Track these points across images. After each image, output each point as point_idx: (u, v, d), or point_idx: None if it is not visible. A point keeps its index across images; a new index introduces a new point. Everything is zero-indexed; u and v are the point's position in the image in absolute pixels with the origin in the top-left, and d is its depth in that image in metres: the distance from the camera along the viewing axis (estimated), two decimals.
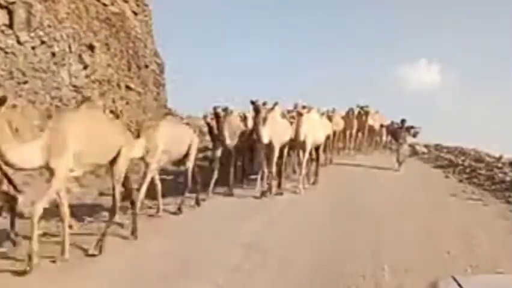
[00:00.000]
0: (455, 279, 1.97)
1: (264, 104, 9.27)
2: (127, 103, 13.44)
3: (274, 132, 9.49)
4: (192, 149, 8.37)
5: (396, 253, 6.02)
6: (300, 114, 10.03)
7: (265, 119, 9.21)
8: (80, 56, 11.62)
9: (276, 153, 9.75)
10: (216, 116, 9.31)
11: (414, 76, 60.62)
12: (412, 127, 15.25)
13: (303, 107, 10.12)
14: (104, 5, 13.37)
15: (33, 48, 9.91)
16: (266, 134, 9.23)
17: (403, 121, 15.15)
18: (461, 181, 13.01)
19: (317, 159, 11.91)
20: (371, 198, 9.89)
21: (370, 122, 18.74)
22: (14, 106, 8.78)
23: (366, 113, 18.65)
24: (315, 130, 10.71)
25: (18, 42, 9.53)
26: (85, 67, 11.69)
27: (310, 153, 11.10)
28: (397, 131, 15.32)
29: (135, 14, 15.51)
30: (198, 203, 8.72)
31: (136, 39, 15.07)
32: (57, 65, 10.59)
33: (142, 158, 7.06)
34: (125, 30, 14.26)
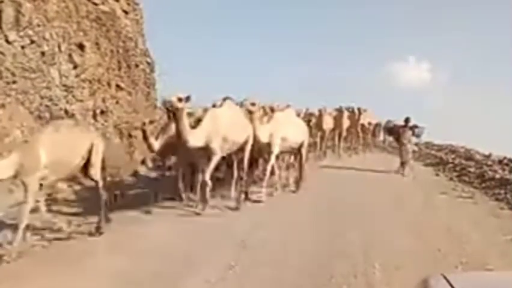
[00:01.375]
0: (444, 277, 1.98)
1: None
2: (117, 102, 13.35)
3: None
4: (94, 157, 6.67)
5: (386, 251, 6.05)
6: (250, 112, 8.62)
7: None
8: (70, 55, 11.52)
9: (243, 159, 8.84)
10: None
11: (403, 74, 60.84)
12: (416, 126, 14.10)
13: (252, 104, 8.52)
14: (95, 4, 13.27)
15: (22, 47, 9.80)
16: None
17: (407, 120, 13.97)
18: (451, 179, 13.13)
19: (300, 163, 10.62)
20: (360, 197, 9.94)
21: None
22: (3, 106, 8.71)
23: (359, 112, 18.71)
24: (287, 131, 9.50)
25: (7, 41, 9.43)
26: (75, 66, 11.58)
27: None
28: (400, 131, 14.07)
29: (126, 13, 15.40)
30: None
31: (127, 39, 14.96)
32: (46, 64, 10.48)
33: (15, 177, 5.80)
34: (115, 29, 14.16)
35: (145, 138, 7.93)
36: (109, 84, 13.30)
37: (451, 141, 21.01)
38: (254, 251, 6.04)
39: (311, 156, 15.84)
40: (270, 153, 9.23)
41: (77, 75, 11.68)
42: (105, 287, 4.95)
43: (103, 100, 12.59)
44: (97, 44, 13.05)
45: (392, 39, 63.80)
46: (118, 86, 13.85)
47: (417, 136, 14.46)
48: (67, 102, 10.96)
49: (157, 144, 8.03)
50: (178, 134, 7.37)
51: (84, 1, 12.74)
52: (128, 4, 15.71)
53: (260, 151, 9.33)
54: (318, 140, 16.61)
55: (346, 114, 18.20)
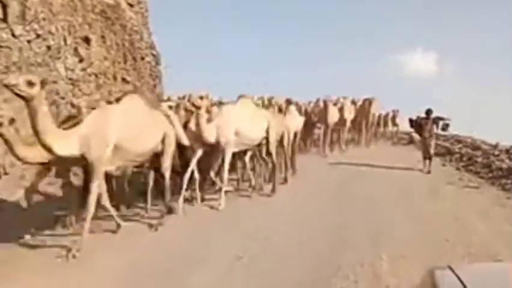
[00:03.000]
0: (451, 269, 1.99)
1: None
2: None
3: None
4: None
5: (394, 241, 6.07)
6: (197, 107, 7.44)
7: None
8: (75, 49, 11.55)
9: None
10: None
11: (411, 65, 60.58)
12: (441, 118, 12.81)
13: (200, 98, 7.37)
14: None
15: (28, 41, 9.83)
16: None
17: (429, 111, 12.75)
18: (458, 169, 13.10)
19: (273, 165, 9.38)
20: (367, 187, 9.94)
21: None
22: (9, 100, 8.76)
23: (370, 102, 18.06)
24: (239, 126, 8.18)
25: (13, 35, 9.45)
26: (81, 60, 11.62)
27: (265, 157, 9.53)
28: (422, 123, 12.77)
29: (131, 6, 15.42)
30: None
31: (132, 32, 14.99)
32: (52, 58, 10.52)
33: None
34: (120, 22, 14.18)
35: None
36: (114, 78, 13.34)
37: (457, 131, 20.89)
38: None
39: (314, 151, 15.79)
40: (223, 152, 8.11)
41: (83, 69, 11.72)
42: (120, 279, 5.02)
43: (109, 93, 12.63)
44: (102, 37, 13.08)
45: (398, 30, 63.54)
46: (123, 79, 13.89)
47: (443, 129, 13.12)
48: (73, 96, 11.00)
49: None
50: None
51: None
52: None
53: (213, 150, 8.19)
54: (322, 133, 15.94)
55: (358, 104, 17.85)
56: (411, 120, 13.42)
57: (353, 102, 17.55)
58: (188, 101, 8.56)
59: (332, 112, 15.35)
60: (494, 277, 2.06)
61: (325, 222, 7.10)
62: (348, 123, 17.15)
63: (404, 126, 20.33)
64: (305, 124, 13.23)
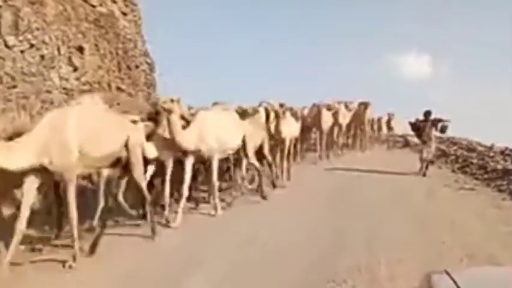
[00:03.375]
0: (447, 273, 2.00)
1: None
2: (118, 104, 13.38)
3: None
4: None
5: (391, 245, 6.07)
6: (168, 111, 6.94)
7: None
8: (69, 58, 11.54)
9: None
10: None
11: (404, 67, 60.91)
12: (440, 120, 12.52)
13: (171, 100, 6.94)
14: (93, 6, 13.28)
15: (21, 51, 9.83)
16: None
17: (427, 113, 12.50)
18: (453, 171, 13.15)
19: (258, 172, 9.20)
20: (363, 191, 9.96)
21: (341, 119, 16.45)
22: (4, 111, 8.73)
23: (365, 106, 17.65)
24: (217, 133, 7.68)
25: (6, 46, 9.45)
26: (75, 69, 11.61)
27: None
28: (420, 126, 12.53)
29: (124, 14, 15.42)
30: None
31: (126, 40, 14.99)
32: (46, 68, 10.51)
33: None
34: (114, 31, 14.18)
35: None
36: (109, 86, 13.32)
37: (452, 133, 20.95)
38: None
39: (311, 156, 15.65)
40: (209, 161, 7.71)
41: (77, 78, 11.71)
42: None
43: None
44: (96, 46, 13.07)
45: (392, 33, 63.93)
46: (118, 87, 13.87)
47: (442, 131, 12.86)
48: (68, 105, 10.98)
49: None
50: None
51: (82, 4, 12.76)
52: (126, 5, 15.72)
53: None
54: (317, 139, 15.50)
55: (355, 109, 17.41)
56: (411, 124, 13.14)
57: (346, 106, 17.29)
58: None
59: (325, 117, 15.02)
60: (490, 281, 2.06)
61: (322, 226, 7.10)
62: (344, 128, 16.94)
63: (400, 129, 20.37)
64: (301, 129, 13.17)
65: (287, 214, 8.18)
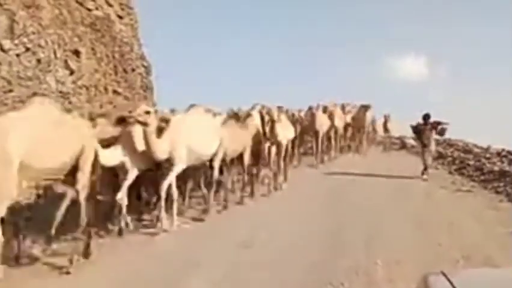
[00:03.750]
0: (444, 274, 2.00)
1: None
2: (115, 107, 13.38)
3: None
4: None
5: (388, 247, 6.08)
6: (143, 124, 6.53)
7: None
8: (66, 61, 11.54)
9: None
10: None
11: (402, 68, 61.10)
12: (438, 123, 12.39)
13: (147, 112, 6.52)
14: (89, 9, 13.29)
15: (17, 55, 9.82)
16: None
17: (426, 116, 12.36)
18: (450, 173, 13.17)
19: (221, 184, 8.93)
20: (360, 193, 9.96)
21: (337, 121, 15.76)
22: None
23: (365, 109, 17.11)
24: (191, 140, 7.23)
25: (2, 50, 9.45)
26: (71, 73, 11.61)
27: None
28: (420, 130, 12.38)
29: (120, 17, 15.44)
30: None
31: (122, 43, 15.00)
32: (42, 71, 10.51)
33: None
34: (110, 34, 14.19)
35: None
36: (106, 90, 13.33)
37: (449, 135, 20.94)
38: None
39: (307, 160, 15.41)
40: (169, 169, 7.08)
41: (73, 82, 11.70)
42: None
43: (101, 106, 12.60)
44: (92, 49, 13.08)
45: (390, 34, 64.13)
46: (115, 91, 13.88)
47: (440, 134, 12.87)
48: (64, 109, 10.96)
49: None
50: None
51: (78, 7, 12.76)
52: (123, 9, 15.73)
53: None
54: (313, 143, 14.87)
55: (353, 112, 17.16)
56: (412, 127, 12.95)
57: (343, 108, 16.96)
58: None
59: (320, 120, 14.47)
60: (486, 283, 2.06)
61: (319, 229, 7.09)
62: (340, 131, 16.52)
63: (398, 129, 20.25)
64: (299, 132, 13.01)
65: (285, 216, 8.17)
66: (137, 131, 6.64)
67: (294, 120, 13.28)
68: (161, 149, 6.77)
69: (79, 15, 12.77)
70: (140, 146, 6.68)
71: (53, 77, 10.91)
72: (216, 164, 8.12)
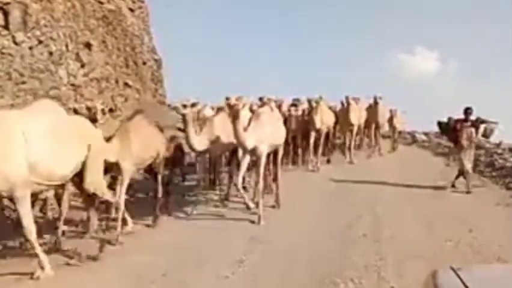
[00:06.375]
0: (453, 270, 1.99)
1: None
2: (126, 100, 13.45)
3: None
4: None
5: (398, 243, 6.06)
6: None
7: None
8: (77, 54, 11.61)
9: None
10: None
11: (412, 63, 60.59)
12: (483, 121, 9.71)
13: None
14: (100, 2, 13.35)
15: (30, 48, 9.90)
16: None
17: (467, 111, 9.50)
18: None
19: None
20: (370, 187, 9.92)
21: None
22: (12, 107, 8.80)
23: (375, 103, 14.56)
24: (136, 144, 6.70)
25: (15, 42, 9.52)
26: (83, 65, 11.68)
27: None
28: (458, 128, 9.53)
29: (131, 10, 15.50)
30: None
31: (133, 36, 15.07)
32: (54, 64, 10.58)
33: None
34: (122, 27, 14.25)
35: None
36: (116, 82, 13.40)
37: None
38: None
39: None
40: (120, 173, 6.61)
41: (85, 74, 11.78)
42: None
43: (112, 98, 12.67)
44: (104, 42, 13.14)
45: (400, 29, 63.73)
46: (125, 83, 13.94)
47: (485, 136, 10.30)
48: (76, 101, 11.06)
49: None
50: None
51: (90, 0, 12.81)
52: (134, 2, 15.79)
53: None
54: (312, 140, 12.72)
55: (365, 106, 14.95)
56: (440, 123, 10.46)
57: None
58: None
59: (320, 116, 12.47)
60: (496, 278, 2.06)
61: (328, 225, 7.09)
62: (356, 128, 14.19)
63: (409, 125, 19.82)
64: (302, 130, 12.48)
65: (293, 213, 8.17)
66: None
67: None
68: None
69: (91, 8, 12.83)
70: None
71: (64, 70, 10.99)
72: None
